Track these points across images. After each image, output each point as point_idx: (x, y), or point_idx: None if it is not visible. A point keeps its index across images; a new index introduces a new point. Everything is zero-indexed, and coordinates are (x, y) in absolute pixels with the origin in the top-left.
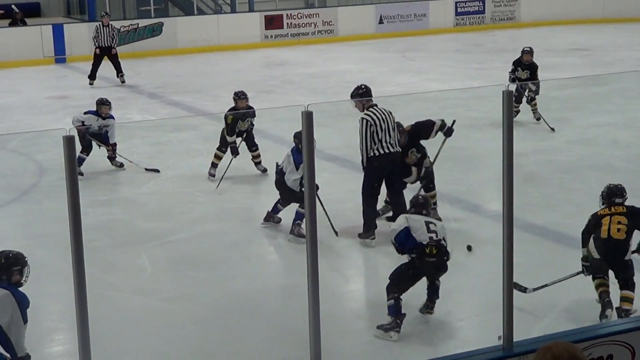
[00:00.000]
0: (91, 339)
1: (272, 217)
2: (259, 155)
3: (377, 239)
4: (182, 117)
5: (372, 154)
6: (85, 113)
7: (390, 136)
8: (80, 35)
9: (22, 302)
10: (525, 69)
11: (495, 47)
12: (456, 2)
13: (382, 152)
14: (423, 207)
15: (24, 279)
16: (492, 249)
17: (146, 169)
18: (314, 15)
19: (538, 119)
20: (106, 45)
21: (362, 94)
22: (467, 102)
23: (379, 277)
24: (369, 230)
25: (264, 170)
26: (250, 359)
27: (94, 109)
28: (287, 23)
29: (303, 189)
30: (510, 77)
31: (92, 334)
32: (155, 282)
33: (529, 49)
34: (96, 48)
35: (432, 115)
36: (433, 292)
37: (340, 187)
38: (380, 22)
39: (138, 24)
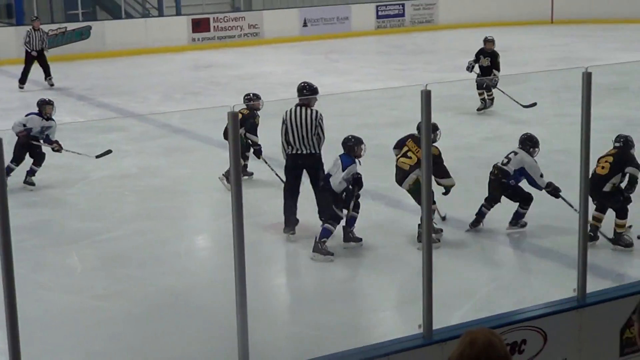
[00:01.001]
0: (21, 338)
1: (351, 233)
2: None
3: (298, 234)
4: (110, 119)
5: (287, 152)
6: (26, 115)
7: (305, 137)
8: (7, 39)
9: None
10: (486, 57)
11: (415, 49)
12: (377, 6)
13: (293, 152)
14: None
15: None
16: (413, 242)
17: (97, 156)
18: (240, 19)
19: (480, 110)
20: (38, 48)
21: (299, 92)
22: (389, 102)
23: (301, 271)
24: (288, 225)
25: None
26: (180, 354)
27: (27, 112)
28: (214, 26)
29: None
30: (469, 65)
31: (22, 333)
32: (85, 281)
33: (491, 37)
34: (30, 52)
35: (356, 114)
36: None
37: (266, 185)
38: (305, 25)
39: (66, 27)
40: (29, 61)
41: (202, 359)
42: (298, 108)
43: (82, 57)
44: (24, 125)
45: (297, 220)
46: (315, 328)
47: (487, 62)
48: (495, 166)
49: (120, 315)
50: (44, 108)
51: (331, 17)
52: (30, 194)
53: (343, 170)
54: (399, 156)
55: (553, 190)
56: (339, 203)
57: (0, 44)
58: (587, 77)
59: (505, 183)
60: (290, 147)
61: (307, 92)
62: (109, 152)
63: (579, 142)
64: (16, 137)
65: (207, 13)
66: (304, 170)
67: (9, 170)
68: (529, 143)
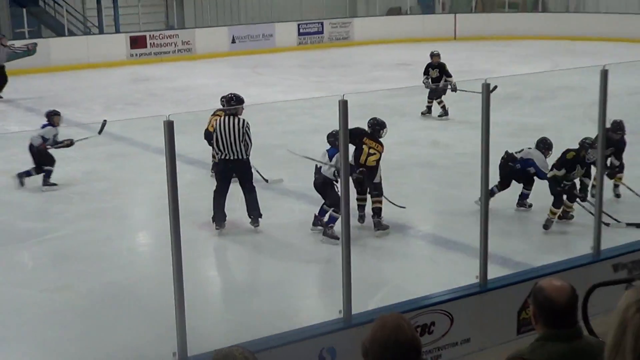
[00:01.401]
0: None
1: (320, 221)
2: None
3: (227, 230)
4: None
5: (219, 157)
6: (42, 127)
7: (233, 143)
8: None
9: None
10: (435, 69)
11: (333, 63)
12: (298, 24)
13: (223, 157)
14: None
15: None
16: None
17: (99, 133)
18: (174, 36)
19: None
20: (4, 63)
21: (228, 102)
22: (310, 111)
23: (232, 264)
24: (217, 222)
25: None
26: (124, 340)
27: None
28: (150, 43)
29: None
30: (424, 79)
31: None
32: (35, 276)
33: (436, 52)
34: None
35: (281, 122)
36: None
37: (200, 187)
38: (233, 41)
39: (14, 43)
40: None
41: (145, 345)
42: (226, 117)
43: (29, 72)
44: (42, 137)
45: (225, 216)
46: (246, 315)
47: (436, 74)
48: (506, 152)
49: (69, 307)
50: (54, 118)
51: (257, 35)
52: None
53: (330, 159)
54: (365, 157)
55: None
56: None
57: None
58: (487, 87)
59: (512, 166)
60: (220, 152)
61: (234, 102)
62: (104, 122)
63: (478, 144)
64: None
65: (143, 31)
66: (233, 174)
67: (29, 174)
68: (542, 145)
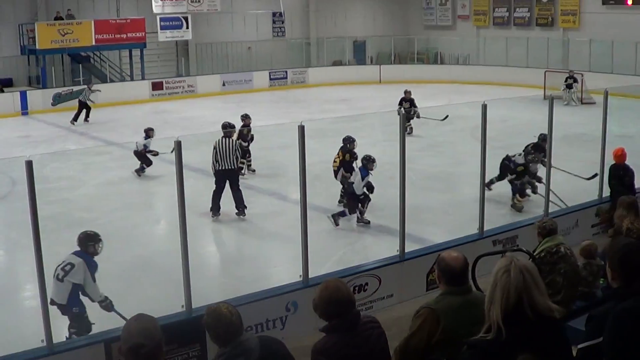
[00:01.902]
0: None
1: (337, 217)
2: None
3: (221, 218)
4: (100, 146)
5: (216, 169)
6: (145, 139)
7: (228, 157)
8: (37, 98)
9: (91, 267)
10: (407, 102)
11: (294, 99)
12: (270, 72)
13: (220, 168)
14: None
15: (98, 250)
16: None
17: (171, 152)
18: (182, 81)
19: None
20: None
21: (223, 128)
22: (278, 132)
23: (224, 242)
24: (214, 212)
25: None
26: (148, 296)
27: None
28: (166, 86)
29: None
30: (398, 109)
31: None
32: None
33: (409, 90)
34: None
35: (257, 141)
36: None
37: (203, 188)
38: (224, 85)
39: (72, 89)
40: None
41: (162, 299)
42: (223, 138)
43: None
44: (144, 145)
45: (220, 208)
46: (233, 279)
47: (407, 105)
48: (507, 155)
49: (109, 273)
50: (149, 132)
51: (240, 79)
52: (47, 196)
53: (362, 180)
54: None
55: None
56: (356, 201)
57: (32, 100)
58: (404, 117)
59: (506, 163)
60: (218, 164)
61: (228, 127)
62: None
63: (398, 156)
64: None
65: (161, 78)
66: (227, 179)
67: (143, 169)
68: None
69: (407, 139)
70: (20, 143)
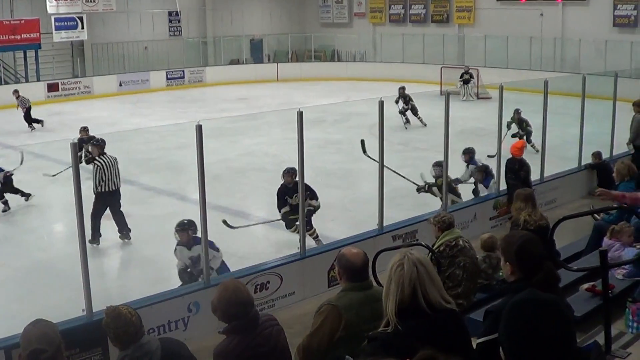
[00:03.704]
0: None
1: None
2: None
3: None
4: None
5: (99, 191)
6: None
7: (115, 176)
8: None
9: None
10: (402, 98)
11: (192, 99)
12: (167, 72)
13: (104, 189)
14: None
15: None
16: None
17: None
18: (78, 82)
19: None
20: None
21: (98, 144)
22: (178, 133)
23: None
24: (94, 237)
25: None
26: (48, 301)
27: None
28: (62, 87)
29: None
30: (402, 110)
31: None
32: None
33: (403, 86)
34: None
35: (155, 141)
36: None
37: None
38: (120, 85)
39: None
40: None
41: (63, 304)
42: (104, 155)
43: None
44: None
45: (100, 235)
46: (136, 281)
47: (403, 102)
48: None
49: (8, 277)
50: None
51: (137, 79)
52: None
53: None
54: None
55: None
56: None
57: None
58: (300, 115)
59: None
60: (103, 184)
61: (103, 143)
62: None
63: (296, 154)
64: None
65: (57, 79)
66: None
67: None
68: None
69: (305, 136)
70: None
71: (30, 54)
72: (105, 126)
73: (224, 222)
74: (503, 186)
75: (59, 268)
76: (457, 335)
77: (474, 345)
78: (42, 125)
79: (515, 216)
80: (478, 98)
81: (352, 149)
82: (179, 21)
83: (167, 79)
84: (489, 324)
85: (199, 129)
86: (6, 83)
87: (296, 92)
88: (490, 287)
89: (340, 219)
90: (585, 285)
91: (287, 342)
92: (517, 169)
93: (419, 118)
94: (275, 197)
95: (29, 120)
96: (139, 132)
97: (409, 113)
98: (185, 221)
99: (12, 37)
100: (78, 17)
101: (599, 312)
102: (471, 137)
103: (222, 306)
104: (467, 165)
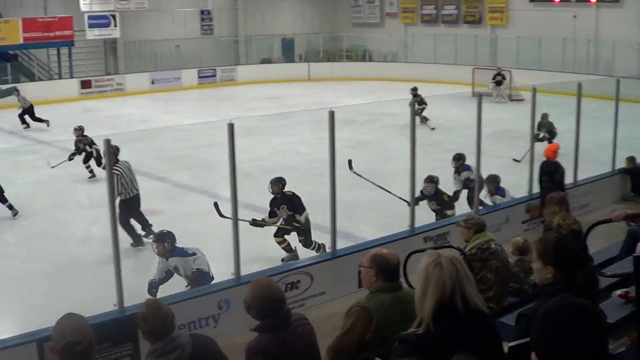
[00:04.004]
0: None
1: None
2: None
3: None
4: (29, 145)
5: (124, 197)
6: None
7: (134, 181)
8: None
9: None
10: (415, 97)
11: (223, 97)
12: (198, 70)
13: (128, 196)
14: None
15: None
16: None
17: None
18: (111, 80)
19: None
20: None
21: (115, 152)
22: (209, 131)
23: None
24: (137, 241)
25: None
26: (78, 296)
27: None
28: (95, 84)
29: None
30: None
31: None
32: (15, 250)
33: (415, 87)
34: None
35: (186, 139)
36: None
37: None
38: (152, 82)
39: (1, 87)
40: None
41: (94, 300)
42: (122, 162)
43: (11, 107)
44: None
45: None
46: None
47: (417, 101)
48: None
49: (39, 272)
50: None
51: (169, 77)
52: None
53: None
54: None
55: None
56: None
57: None
58: (332, 115)
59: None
60: (125, 191)
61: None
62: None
63: (326, 154)
64: None
65: (90, 76)
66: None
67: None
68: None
69: (336, 136)
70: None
71: (64, 51)
72: (137, 123)
73: (215, 204)
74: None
75: (90, 264)
76: (489, 339)
77: (505, 350)
78: (48, 126)
79: (549, 220)
80: (510, 100)
81: (383, 149)
82: (210, 20)
83: (199, 77)
84: (521, 328)
85: (231, 127)
86: (40, 80)
87: (327, 91)
88: (522, 291)
89: (370, 220)
90: (619, 292)
91: (318, 343)
92: (552, 171)
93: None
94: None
95: (34, 118)
96: (170, 130)
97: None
98: (164, 231)
99: (46, 34)
100: (111, 15)
101: (631, 319)
102: (502, 139)
103: (257, 303)
104: (458, 173)
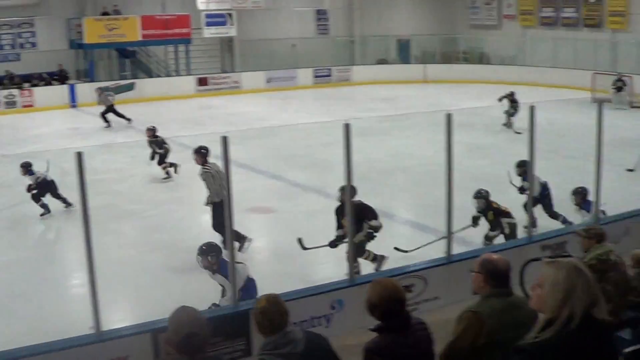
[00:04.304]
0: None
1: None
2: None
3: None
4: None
5: (217, 200)
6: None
7: (224, 183)
8: (86, 91)
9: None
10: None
11: (338, 97)
12: (314, 69)
13: (219, 199)
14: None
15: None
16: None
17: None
18: (227, 77)
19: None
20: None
21: (203, 151)
22: (324, 130)
23: (272, 238)
24: (242, 242)
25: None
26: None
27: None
28: (211, 82)
29: None
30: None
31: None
32: (134, 241)
33: (512, 91)
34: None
35: (302, 138)
36: None
37: (250, 184)
38: (268, 81)
39: (119, 83)
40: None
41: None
42: (210, 164)
43: (129, 102)
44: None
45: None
46: (281, 275)
47: (508, 103)
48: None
49: (158, 263)
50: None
51: (285, 76)
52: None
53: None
54: None
55: None
56: None
57: (82, 93)
58: (449, 118)
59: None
60: (216, 193)
61: (204, 151)
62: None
63: (443, 157)
64: None
65: (207, 74)
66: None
67: None
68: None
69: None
70: (70, 135)
71: (181, 48)
72: (254, 121)
73: (299, 240)
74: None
75: None
76: (607, 352)
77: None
78: (130, 123)
79: None
80: (631, 107)
81: (501, 154)
82: (326, 19)
83: (314, 76)
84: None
85: (347, 127)
86: (158, 76)
87: (444, 93)
88: None
89: (487, 225)
90: None
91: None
92: None
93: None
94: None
95: (117, 115)
96: (287, 129)
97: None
98: (204, 246)
99: (164, 31)
100: (227, 14)
101: None
102: (622, 147)
103: (383, 304)
104: (523, 179)
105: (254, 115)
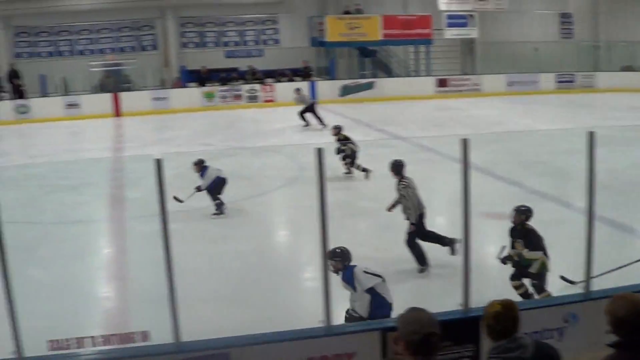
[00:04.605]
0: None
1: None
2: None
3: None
4: (384, 139)
5: (413, 216)
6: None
7: (420, 197)
8: (326, 88)
9: None
10: None
11: (582, 104)
12: (557, 74)
13: (418, 212)
14: None
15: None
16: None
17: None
18: (468, 79)
19: None
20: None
21: (399, 166)
22: (567, 138)
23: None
24: (422, 261)
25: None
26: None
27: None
28: (451, 83)
29: None
30: None
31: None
32: (366, 238)
33: None
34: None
35: (544, 144)
36: None
37: (488, 187)
38: (509, 85)
39: (359, 81)
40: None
41: (439, 295)
42: (408, 180)
43: (369, 101)
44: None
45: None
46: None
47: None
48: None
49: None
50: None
51: (527, 80)
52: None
53: None
54: None
55: None
56: None
57: (322, 90)
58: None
59: None
60: (416, 208)
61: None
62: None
63: None
64: None
65: (447, 75)
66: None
67: None
68: None
69: None
70: (303, 130)
71: (421, 49)
72: (493, 125)
73: (563, 278)
74: None
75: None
76: None
77: None
78: (324, 126)
79: None
80: None
81: None
82: (571, 23)
83: (557, 82)
84: None
85: (591, 135)
86: (398, 76)
87: None
88: None
89: None
90: None
91: None
92: None
93: None
94: None
95: (315, 116)
96: (528, 134)
97: None
98: (332, 249)
99: (405, 31)
100: (469, 15)
101: None
102: None
103: (631, 319)
104: None
105: (493, 119)
